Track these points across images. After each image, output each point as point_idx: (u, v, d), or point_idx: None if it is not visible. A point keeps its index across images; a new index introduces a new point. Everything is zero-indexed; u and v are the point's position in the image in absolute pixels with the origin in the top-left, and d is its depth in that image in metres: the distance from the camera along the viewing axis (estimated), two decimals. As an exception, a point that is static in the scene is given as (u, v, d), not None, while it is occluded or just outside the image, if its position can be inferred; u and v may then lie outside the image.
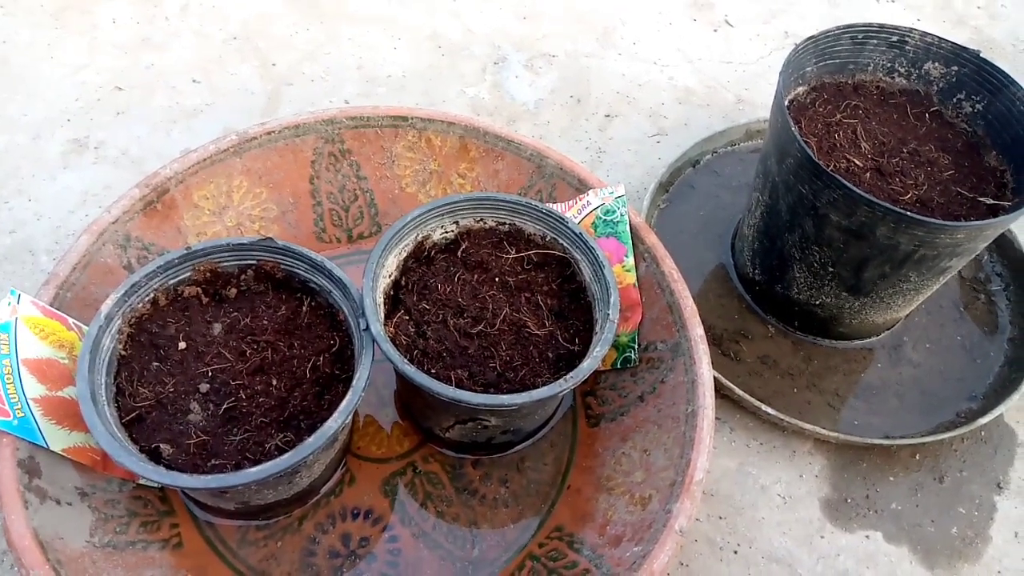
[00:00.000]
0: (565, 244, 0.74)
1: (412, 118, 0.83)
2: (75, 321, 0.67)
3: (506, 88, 1.09)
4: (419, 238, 0.73)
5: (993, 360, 0.86)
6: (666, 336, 0.73)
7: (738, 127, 1.00)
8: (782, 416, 0.76)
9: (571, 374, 0.63)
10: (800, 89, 0.81)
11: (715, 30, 1.20)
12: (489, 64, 1.11)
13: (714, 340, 0.84)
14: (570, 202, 0.80)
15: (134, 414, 0.62)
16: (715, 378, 0.77)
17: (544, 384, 0.64)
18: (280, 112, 1.02)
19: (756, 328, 0.86)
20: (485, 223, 0.75)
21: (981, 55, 0.79)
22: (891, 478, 0.78)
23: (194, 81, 1.05)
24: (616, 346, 0.76)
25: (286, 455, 0.57)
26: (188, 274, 0.67)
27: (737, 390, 0.77)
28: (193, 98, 1.03)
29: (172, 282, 0.67)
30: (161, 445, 0.61)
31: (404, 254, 0.72)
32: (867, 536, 0.75)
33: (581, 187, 0.80)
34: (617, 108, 1.08)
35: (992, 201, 0.74)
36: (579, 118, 1.06)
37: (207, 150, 0.77)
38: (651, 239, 0.76)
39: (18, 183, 0.93)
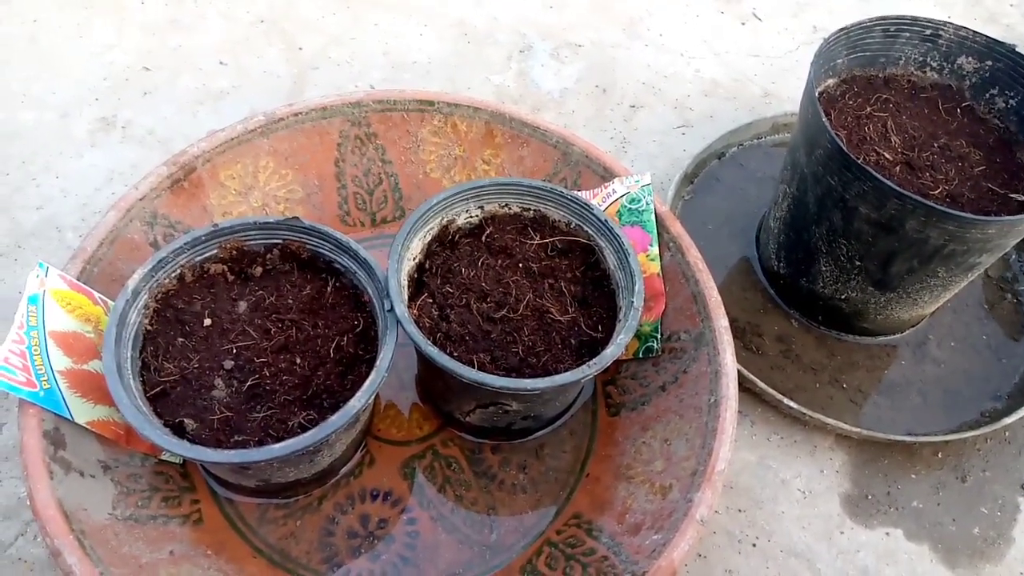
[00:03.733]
0: (590, 231, 0.73)
1: (439, 103, 0.83)
2: (101, 296, 0.67)
3: (531, 76, 1.08)
4: (444, 222, 0.73)
5: (1019, 360, 0.85)
6: (690, 326, 0.72)
7: (764, 120, 0.99)
8: (804, 410, 0.76)
9: (594, 360, 0.63)
10: (830, 81, 0.80)
11: (743, 23, 1.19)
12: (515, 52, 1.11)
13: (736, 333, 0.84)
14: (595, 190, 0.79)
15: (159, 388, 0.62)
16: (737, 370, 0.77)
17: (566, 370, 0.63)
18: (306, 95, 1.02)
19: (779, 322, 0.85)
20: (510, 208, 0.75)
21: (1017, 49, 0.78)
22: (913, 476, 0.78)
23: (221, 63, 1.05)
24: (638, 335, 0.75)
25: (309, 433, 0.57)
26: (214, 251, 0.68)
27: (759, 383, 0.77)
28: (219, 80, 1.03)
29: (198, 259, 0.67)
30: (185, 420, 0.61)
31: (429, 237, 0.72)
32: (887, 533, 0.74)
33: (607, 175, 0.80)
34: (642, 99, 1.07)
35: (1024, 198, 0.73)
36: (604, 108, 1.06)
37: (235, 130, 0.78)
38: (676, 228, 0.75)
39: (46, 160, 0.93)
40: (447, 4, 1.16)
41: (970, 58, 0.80)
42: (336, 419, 0.57)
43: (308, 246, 0.68)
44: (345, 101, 0.81)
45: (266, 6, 1.12)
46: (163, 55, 1.05)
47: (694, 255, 0.74)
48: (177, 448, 0.57)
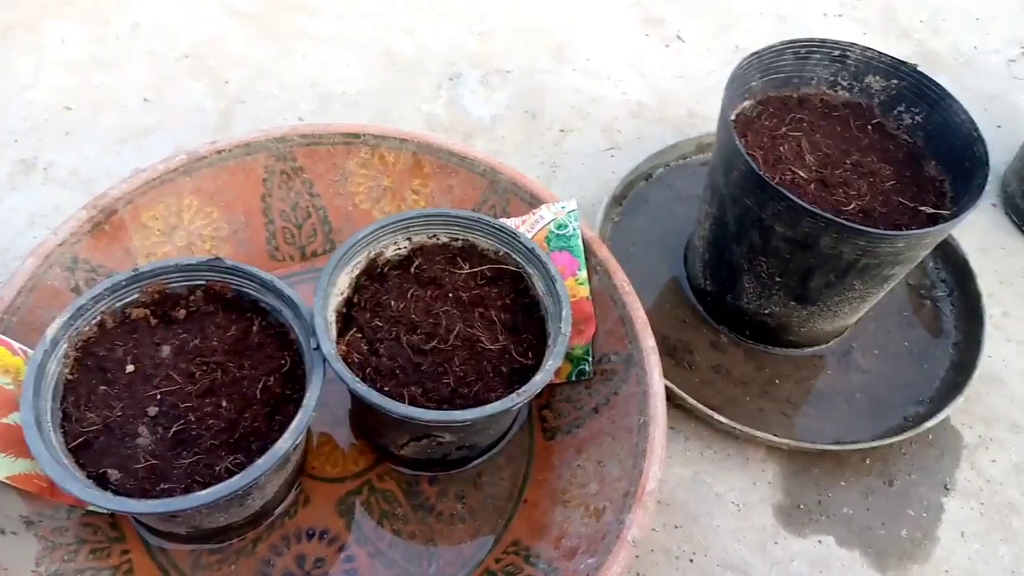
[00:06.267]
0: (518, 259, 0.74)
1: (364, 135, 0.83)
2: (20, 346, 0.65)
3: (461, 104, 1.09)
4: (371, 255, 0.73)
5: (938, 364, 0.88)
6: (619, 348, 0.73)
7: (689, 140, 1.01)
8: (734, 424, 0.77)
9: (523, 388, 0.64)
10: (747, 103, 0.83)
11: (667, 45, 1.22)
12: (444, 80, 1.12)
13: (668, 350, 0.85)
14: (523, 217, 0.80)
15: (81, 439, 0.61)
16: (669, 388, 0.78)
17: (497, 399, 0.64)
18: (232, 130, 1.02)
19: (709, 338, 0.87)
20: (438, 239, 0.76)
21: (918, 68, 0.81)
22: (842, 483, 0.80)
23: (145, 100, 1.04)
24: (571, 359, 0.76)
25: (235, 478, 0.56)
26: (136, 296, 0.67)
27: (690, 400, 0.78)
28: (144, 117, 1.02)
29: (119, 304, 0.66)
30: (109, 470, 0.60)
31: (356, 271, 0.72)
32: (820, 541, 0.76)
33: (534, 202, 0.81)
34: (572, 123, 1.09)
35: (932, 210, 0.76)
36: (534, 133, 1.07)
37: (156, 170, 0.77)
38: (603, 252, 0.77)
39: (-37, 205, 0.91)
40: (376, 34, 1.17)
41: (877, 77, 0.84)
42: (262, 463, 0.57)
43: (232, 286, 0.68)
44: (269, 136, 0.81)
45: (190, 41, 1.11)
46: (85, 93, 1.03)
47: (621, 278, 0.75)
48: (100, 500, 0.56)
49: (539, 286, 0.73)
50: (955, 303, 0.94)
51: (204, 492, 0.56)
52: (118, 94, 1.04)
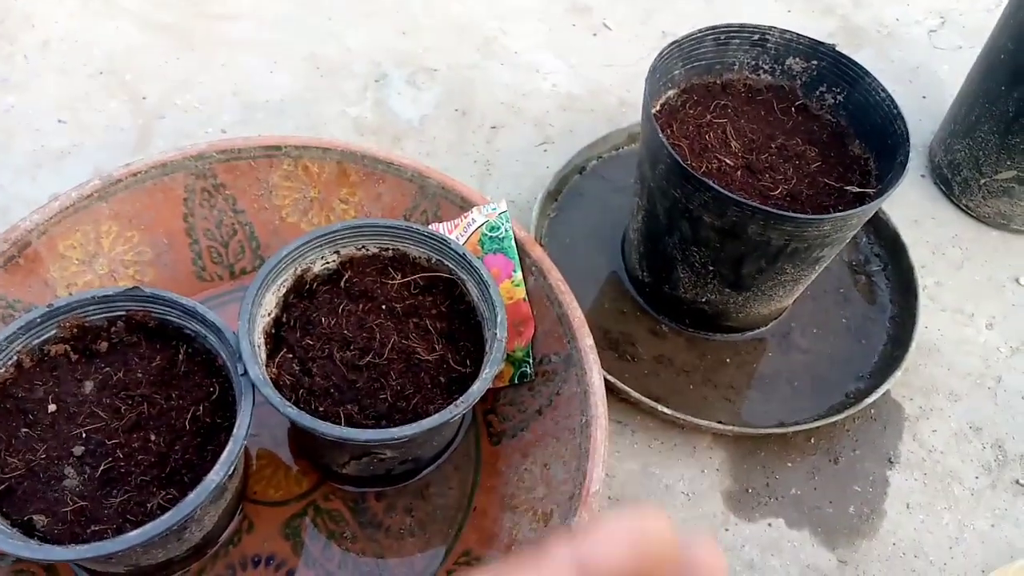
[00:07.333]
0: (451, 265, 0.73)
1: (286, 146, 0.81)
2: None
3: (389, 106, 1.07)
4: (298, 272, 0.71)
5: (876, 339, 0.90)
6: (558, 348, 0.73)
7: (620, 131, 1.01)
8: (678, 414, 0.77)
9: (461, 398, 0.63)
10: (671, 93, 0.83)
11: (594, 34, 1.21)
12: (370, 82, 1.10)
13: (610, 344, 0.85)
14: (456, 221, 0.79)
15: (3, 486, 0.59)
16: (612, 381, 0.78)
17: (437, 410, 0.63)
18: (153, 147, 0.98)
19: (650, 328, 0.87)
20: (368, 250, 0.74)
21: (836, 48, 0.82)
22: (789, 464, 0.81)
23: (59, 121, 1.00)
24: (512, 361, 0.76)
25: (167, 515, 0.54)
26: (53, 332, 0.64)
27: (633, 393, 0.78)
28: (59, 139, 0.98)
29: (36, 342, 0.64)
30: (35, 516, 0.57)
31: (284, 290, 0.70)
32: (770, 524, 0.77)
33: (465, 205, 0.80)
34: (503, 119, 1.08)
35: (858, 189, 0.77)
36: (465, 131, 1.06)
37: (69, 197, 0.74)
38: (536, 252, 0.76)
39: None
40: (297, 37, 1.14)
41: (797, 59, 0.84)
42: (194, 497, 0.55)
43: (154, 314, 0.66)
44: (186, 155, 0.78)
45: (105, 57, 1.07)
46: (-6, 118, 0.99)
47: (556, 277, 0.74)
48: (25, 551, 0.54)
49: (473, 292, 0.72)
50: (889, 277, 0.95)
51: (135, 533, 0.54)
52: (30, 117, 1.00)
